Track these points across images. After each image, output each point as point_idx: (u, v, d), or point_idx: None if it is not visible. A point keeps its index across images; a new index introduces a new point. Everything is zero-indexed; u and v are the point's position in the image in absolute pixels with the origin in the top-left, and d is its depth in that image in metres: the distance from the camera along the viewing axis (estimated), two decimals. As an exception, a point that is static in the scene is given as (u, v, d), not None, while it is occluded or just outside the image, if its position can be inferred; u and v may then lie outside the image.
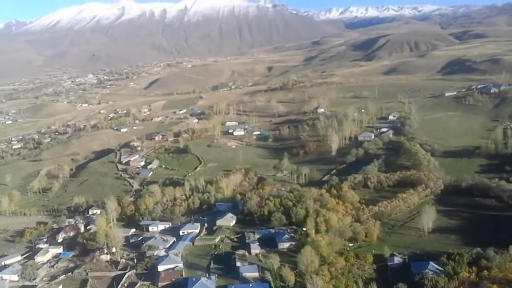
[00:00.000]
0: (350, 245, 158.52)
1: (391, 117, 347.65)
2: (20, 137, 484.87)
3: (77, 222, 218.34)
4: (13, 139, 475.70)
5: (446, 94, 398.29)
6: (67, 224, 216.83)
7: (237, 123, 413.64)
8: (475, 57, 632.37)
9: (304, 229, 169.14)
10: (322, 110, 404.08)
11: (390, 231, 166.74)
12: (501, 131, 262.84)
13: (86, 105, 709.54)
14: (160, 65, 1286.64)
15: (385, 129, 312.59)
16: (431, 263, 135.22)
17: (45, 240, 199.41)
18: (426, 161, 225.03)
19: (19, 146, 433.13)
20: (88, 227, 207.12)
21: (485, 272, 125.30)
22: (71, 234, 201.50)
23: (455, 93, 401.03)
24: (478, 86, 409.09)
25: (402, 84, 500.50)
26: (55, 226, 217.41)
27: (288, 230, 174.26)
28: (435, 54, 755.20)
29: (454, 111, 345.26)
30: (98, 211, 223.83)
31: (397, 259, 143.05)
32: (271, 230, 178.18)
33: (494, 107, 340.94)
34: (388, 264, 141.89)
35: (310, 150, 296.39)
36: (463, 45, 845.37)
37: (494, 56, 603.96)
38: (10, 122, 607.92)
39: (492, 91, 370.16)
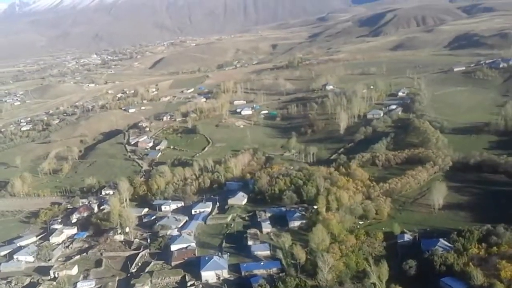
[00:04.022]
0: (360, 222, 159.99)
1: (400, 94, 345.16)
2: (29, 118, 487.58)
3: (90, 202, 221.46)
4: (21, 120, 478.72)
5: (455, 69, 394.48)
6: (80, 204, 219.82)
7: (245, 102, 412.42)
8: (483, 31, 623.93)
9: (315, 207, 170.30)
10: (330, 87, 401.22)
11: (401, 208, 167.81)
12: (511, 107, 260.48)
13: (92, 85, 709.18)
14: (164, 44, 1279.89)
15: (394, 106, 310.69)
16: (441, 240, 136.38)
17: (59, 221, 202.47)
18: (435, 139, 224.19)
19: (28, 128, 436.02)
20: (101, 207, 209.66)
21: (495, 248, 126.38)
22: (85, 214, 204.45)
23: (464, 68, 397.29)
24: (487, 61, 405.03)
25: (410, 60, 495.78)
26: (69, 206, 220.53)
27: (299, 208, 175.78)
28: (443, 28, 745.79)
29: (464, 86, 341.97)
30: (111, 192, 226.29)
31: (407, 237, 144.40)
32: (282, 208, 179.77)
33: (503, 82, 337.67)
34: (398, 241, 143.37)
35: (318, 129, 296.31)
36: (471, 19, 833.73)
37: (502, 30, 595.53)
38: (19, 103, 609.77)
39: (501, 65, 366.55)
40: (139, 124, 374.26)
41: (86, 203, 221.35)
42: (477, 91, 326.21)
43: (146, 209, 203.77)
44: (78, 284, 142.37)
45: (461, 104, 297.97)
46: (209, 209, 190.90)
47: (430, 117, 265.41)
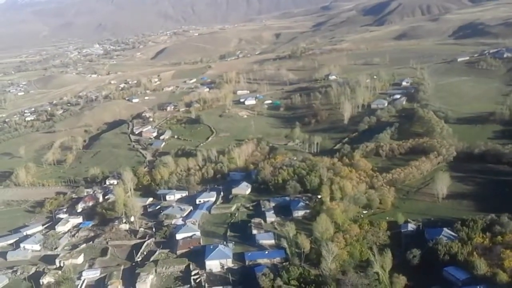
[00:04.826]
0: (364, 212, 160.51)
1: (404, 83, 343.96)
2: (33, 109, 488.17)
3: (95, 192, 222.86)
4: (25, 111, 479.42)
5: (459, 59, 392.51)
6: (85, 194, 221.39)
7: (248, 92, 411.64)
8: (488, 20, 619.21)
9: (319, 196, 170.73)
10: (333, 77, 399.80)
11: (405, 198, 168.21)
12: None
13: (95, 75, 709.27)
14: (167, 33, 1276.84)
15: (398, 96, 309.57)
16: (445, 229, 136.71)
17: (64, 210, 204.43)
18: (439, 128, 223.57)
19: (32, 118, 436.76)
20: (106, 197, 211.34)
21: (499, 237, 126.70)
22: (90, 204, 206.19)
23: (467, 58, 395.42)
24: (491, 51, 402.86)
25: (414, 50, 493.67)
26: (74, 196, 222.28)
27: (303, 198, 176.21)
28: (448, 17, 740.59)
29: (467, 76, 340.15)
30: (115, 182, 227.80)
31: (411, 226, 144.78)
32: (286, 198, 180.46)
33: (507, 72, 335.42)
34: (402, 231, 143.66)
35: (322, 119, 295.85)
36: (476, 8, 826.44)
37: (508, 19, 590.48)
38: (22, 93, 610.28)
39: (505, 55, 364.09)
40: (143, 114, 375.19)
41: (91, 192, 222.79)
42: (481, 81, 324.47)
43: (150, 199, 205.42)
44: (83, 273, 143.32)
45: (466, 94, 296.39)
46: (213, 199, 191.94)
47: (435, 107, 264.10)
